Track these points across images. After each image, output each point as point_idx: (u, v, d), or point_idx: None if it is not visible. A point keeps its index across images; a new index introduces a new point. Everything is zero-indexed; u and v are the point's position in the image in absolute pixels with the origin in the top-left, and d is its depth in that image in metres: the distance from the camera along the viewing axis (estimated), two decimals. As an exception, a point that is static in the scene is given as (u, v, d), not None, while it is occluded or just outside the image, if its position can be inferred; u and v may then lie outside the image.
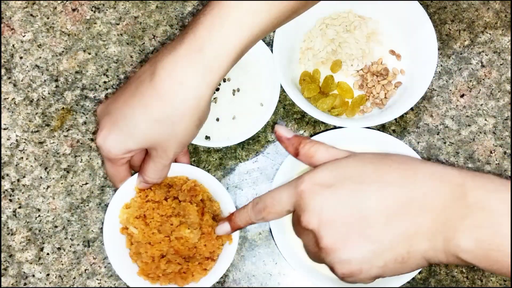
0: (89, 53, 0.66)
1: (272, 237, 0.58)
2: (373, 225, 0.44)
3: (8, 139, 0.63)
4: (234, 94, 0.61)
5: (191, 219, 0.54)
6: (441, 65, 0.65)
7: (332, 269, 0.46)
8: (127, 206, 0.57)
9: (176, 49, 0.48)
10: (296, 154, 0.52)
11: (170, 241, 0.54)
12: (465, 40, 0.66)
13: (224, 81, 0.61)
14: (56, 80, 0.65)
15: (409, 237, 0.44)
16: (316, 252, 0.47)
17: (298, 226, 0.48)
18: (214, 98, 0.60)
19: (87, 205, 0.61)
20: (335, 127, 0.61)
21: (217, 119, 0.60)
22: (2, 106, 0.64)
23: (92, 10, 0.67)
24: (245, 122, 0.61)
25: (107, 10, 0.67)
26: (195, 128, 0.50)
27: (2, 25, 0.66)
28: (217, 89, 0.61)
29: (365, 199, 0.45)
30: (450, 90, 0.65)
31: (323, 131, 0.60)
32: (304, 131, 0.63)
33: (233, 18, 0.47)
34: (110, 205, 0.56)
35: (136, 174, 0.56)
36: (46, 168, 0.62)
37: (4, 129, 0.63)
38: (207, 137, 0.60)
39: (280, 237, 0.57)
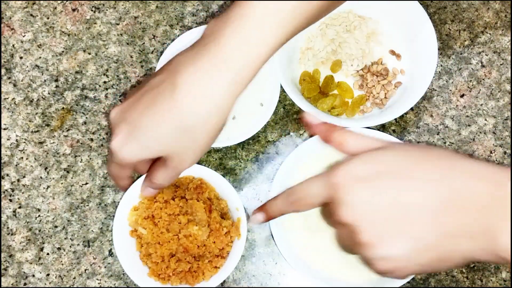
0: (89, 53, 0.66)
1: (272, 237, 0.58)
2: (414, 222, 0.43)
3: (8, 139, 0.63)
4: None
5: (199, 216, 0.55)
6: (441, 65, 0.65)
7: (368, 264, 0.45)
8: (135, 209, 0.57)
9: (198, 60, 0.47)
10: (326, 141, 0.50)
11: (179, 239, 0.54)
12: (465, 40, 0.66)
13: None
14: (56, 80, 0.65)
15: (451, 236, 0.43)
16: (350, 245, 0.46)
17: (331, 219, 0.47)
18: None
19: (87, 205, 0.61)
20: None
21: None
22: (2, 106, 0.64)
23: (92, 10, 0.67)
24: (245, 122, 0.61)
25: (107, 10, 0.67)
26: (215, 137, 0.50)
27: (2, 25, 0.66)
28: None
29: (405, 195, 0.43)
30: (450, 90, 0.64)
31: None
32: (304, 131, 0.63)
33: (260, 30, 0.46)
34: (118, 209, 0.56)
35: (142, 178, 0.56)
36: (46, 168, 0.62)
37: (4, 129, 0.63)
38: None
39: (280, 237, 0.57)
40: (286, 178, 0.58)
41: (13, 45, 0.66)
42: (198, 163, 0.61)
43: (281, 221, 0.57)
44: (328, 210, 0.47)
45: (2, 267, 0.60)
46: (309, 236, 0.58)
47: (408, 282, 0.58)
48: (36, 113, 0.64)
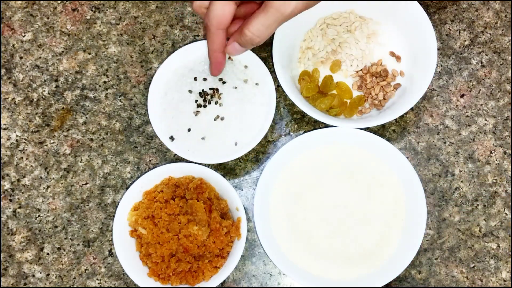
0: (89, 53, 0.66)
1: (262, 247, 0.57)
2: None
3: (8, 139, 0.63)
4: (215, 120, 0.59)
5: (199, 216, 0.55)
6: (441, 65, 0.65)
7: None
8: (135, 208, 0.57)
9: None
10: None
11: (179, 239, 0.54)
12: (465, 40, 0.66)
13: (216, 103, 0.59)
14: (56, 80, 0.65)
15: None
16: None
17: None
18: (198, 111, 0.59)
19: (87, 205, 0.61)
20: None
21: (189, 130, 0.59)
22: (2, 106, 0.64)
23: (92, 10, 0.67)
24: (211, 148, 0.59)
25: (107, 10, 0.67)
26: None
27: (2, 25, 0.66)
28: (204, 106, 0.59)
29: None
30: (450, 90, 0.64)
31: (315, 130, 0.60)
32: (304, 131, 0.63)
33: None
34: (118, 209, 0.56)
35: (141, 178, 0.57)
36: (46, 168, 0.62)
37: (4, 129, 0.63)
38: (171, 138, 0.59)
39: (267, 239, 0.56)
40: (271, 179, 0.58)
41: (13, 45, 0.66)
42: (198, 163, 0.61)
43: (267, 223, 0.57)
44: None
45: (2, 267, 0.60)
46: (295, 239, 0.58)
47: (408, 282, 0.58)
48: (36, 113, 0.64)
